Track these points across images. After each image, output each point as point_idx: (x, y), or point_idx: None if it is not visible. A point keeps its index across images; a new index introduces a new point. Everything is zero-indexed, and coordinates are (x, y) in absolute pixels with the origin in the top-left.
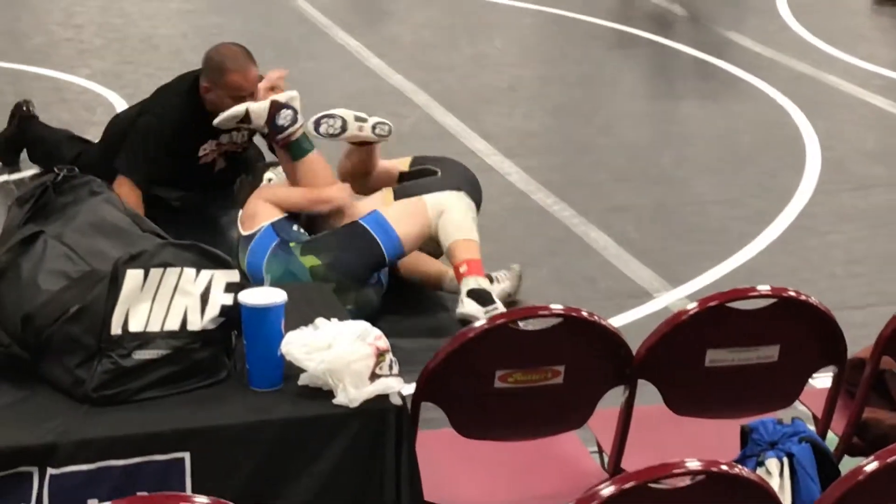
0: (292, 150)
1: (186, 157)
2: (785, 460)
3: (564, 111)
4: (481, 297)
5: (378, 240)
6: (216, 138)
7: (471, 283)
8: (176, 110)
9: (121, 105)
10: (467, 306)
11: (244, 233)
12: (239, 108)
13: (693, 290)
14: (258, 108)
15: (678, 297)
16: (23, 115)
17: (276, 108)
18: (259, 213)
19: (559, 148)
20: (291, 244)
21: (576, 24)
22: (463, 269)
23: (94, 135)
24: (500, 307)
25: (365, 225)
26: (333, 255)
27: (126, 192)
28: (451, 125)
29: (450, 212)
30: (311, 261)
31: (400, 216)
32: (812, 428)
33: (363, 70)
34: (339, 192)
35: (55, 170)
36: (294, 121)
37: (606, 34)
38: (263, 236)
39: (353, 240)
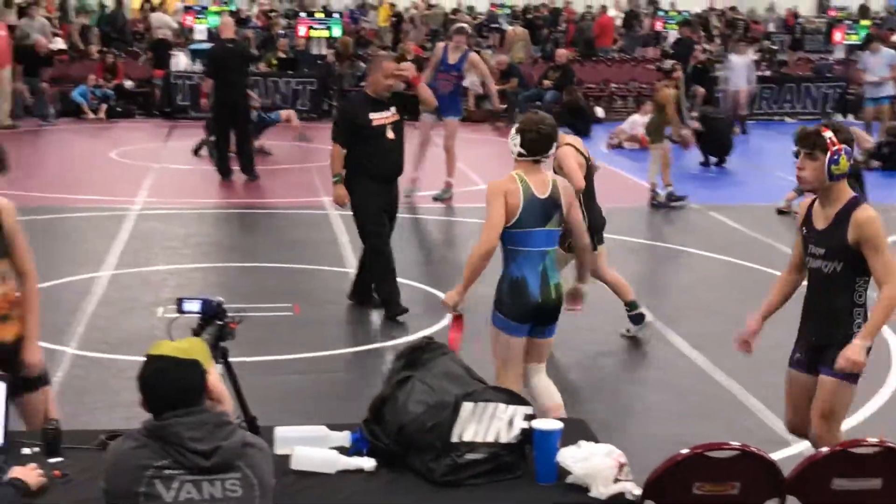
0: None
1: (367, 123)
2: None
3: None
4: None
5: None
6: (379, 112)
7: None
8: (355, 96)
9: None
10: None
11: None
12: None
13: None
14: None
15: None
16: None
17: None
18: None
19: None
20: None
21: None
22: None
23: None
24: None
25: None
26: None
27: (335, 149)
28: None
29: None
30: None
31: None
32: None
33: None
34: None
35: (424, 339)
36: None
37: None
38: None
39: None
